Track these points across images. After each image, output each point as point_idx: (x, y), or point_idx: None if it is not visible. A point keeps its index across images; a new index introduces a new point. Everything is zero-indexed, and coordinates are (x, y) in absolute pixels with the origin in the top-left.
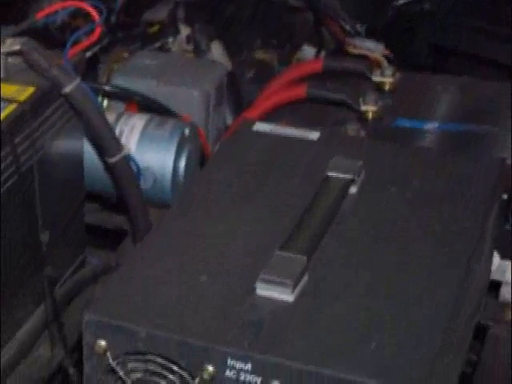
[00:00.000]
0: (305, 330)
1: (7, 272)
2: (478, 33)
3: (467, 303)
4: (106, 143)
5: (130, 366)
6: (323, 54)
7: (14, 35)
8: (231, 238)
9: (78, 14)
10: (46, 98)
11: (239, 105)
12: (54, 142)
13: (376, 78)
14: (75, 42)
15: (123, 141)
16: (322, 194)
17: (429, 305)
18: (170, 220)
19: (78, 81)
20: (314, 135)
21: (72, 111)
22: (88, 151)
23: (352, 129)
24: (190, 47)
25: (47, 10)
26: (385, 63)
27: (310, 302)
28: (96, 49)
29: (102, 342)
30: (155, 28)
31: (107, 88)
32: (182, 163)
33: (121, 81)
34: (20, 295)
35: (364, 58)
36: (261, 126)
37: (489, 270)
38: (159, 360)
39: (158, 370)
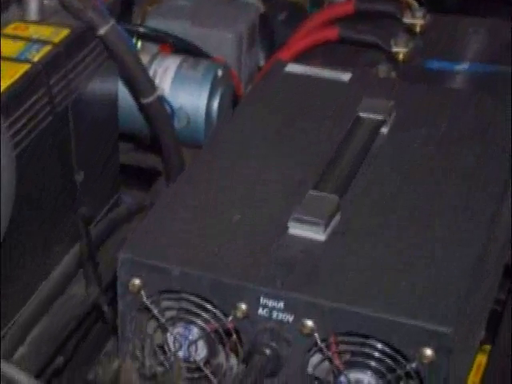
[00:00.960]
0: (336, 269)
1: (43, 212)
2: None
3: (496, 243)
4: (140, 84)
5: (164, 304)
6: None
7: None
8: (263, 178)
9: None
10: (80, 39)
11: (271, 46)
12: (89, 84)
13: (407, 20)
14: None
15: (157, 82)
16: (354, 135)
17: (459, 244)
18: (202, 160)
19: (112, 22)
20: (346, 76)
21: (106, 53)
22: (122, 92)
23: (383, 70)
24: None
25: None
26: (415, 5)
27: (341, 241)
28: None
29: (137, 281)
30: None
31: (141, 29)
32: (215, 104)
33: (155, 22)
34: (55, 235)
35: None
36: (293, 68)
37: None
38: (193, 298)
39: (192, 308)
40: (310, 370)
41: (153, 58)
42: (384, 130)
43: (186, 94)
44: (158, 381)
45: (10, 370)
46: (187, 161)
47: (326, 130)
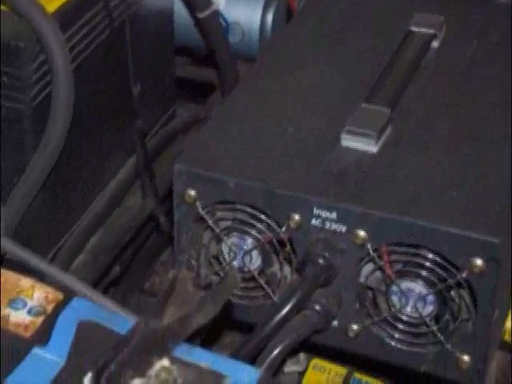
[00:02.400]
0: (388, 180)
1: (100, 124)
2: None
3: None
4: None
5: (219, 214)
6: None
7: None
8: (316, 91)
9: None
10: None
11: None
12: None
13: None
14: None
15: None
16: (405, 48)
17: (506, 157)
18: (256, 73)
19: None
20: None
21: None
22: (178, 6)
23: None
24: None
25: None
26: None
27: (392, 153)
28: None
29: (192, 192)
30: None
31: None
32: (269, 17)
33: None
34: (112, 147)
35: None
36: None
37: None
38: (247, 209)
39: (246, 218)
40: (362, 279)
41: None
42: (435, 44)
43: (240, 8)
44: (213, 290)
45: (67, 279)
46: (242, 74)
47: (378, 44)
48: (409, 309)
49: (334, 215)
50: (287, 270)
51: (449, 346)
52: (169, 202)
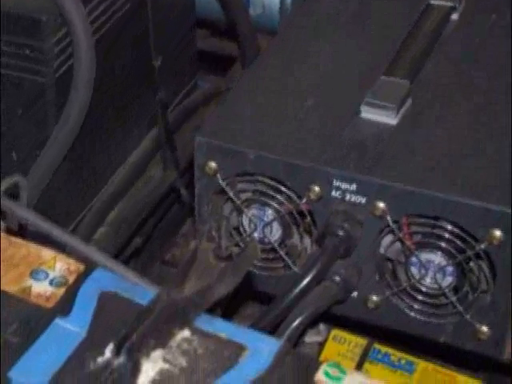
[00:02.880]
0: (407, 152)
1: (122, 97)
2: None
3: None
4: None
5: (240, 186)
6: None
7: None
8: (336, 63)
9: None
10: None
11: None
12: None
13: None
14: None
15: None
16: (424, 21)
17: None
18: (277, 45)
19: None
20: None
21: None
22: None
23: None
24: None
25: None
26: None
27: (412, 125)
28: None
29: (213, 164)
30: None
31: None
32: None
33: None
34: (134, 119)
35: None
36: None
37: None
38: (267, 181)
39: (266, 190)
40: (381, 250)
41: None
42: (454, 16)
43: None
44: (234, 261)
45: (89, 250)
46: (262, 47)
47: (398, 17)
48: (428, 280)
49: (353, 187)
50: (307, 241)
51: (468, 317)
52: (190, 173)
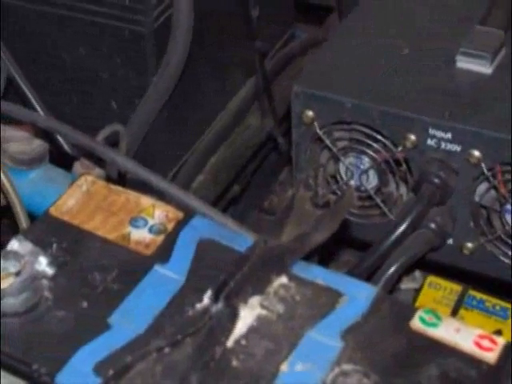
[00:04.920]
0: (502, 101)
1: (221, 45)
2: None
3: None
4: None
5: (336, 134)
6: None
7: None
8: (431, 14)
9: None
10: None
11: None
12: None
13: None
14: None
15: None
16: None
17: None
18: None
19: None
20: None
21: None
22: None
23: None
24: None
25: None
26: None
27: (507, 74)
28: None
29: (310, 112)
30: None
31: None
32: None
33: None
34: (232, 67)
35: None
36: None
37: None
38: (363, 129)
39: (363, 138)
40: (476, 198)
41: None
42: None
43: None
44: (331, 209)
45: (187, 198)
46: None
47: None
48: None
49: (448, 135)
50: (403, 189)
51: None
52: (287, 122)
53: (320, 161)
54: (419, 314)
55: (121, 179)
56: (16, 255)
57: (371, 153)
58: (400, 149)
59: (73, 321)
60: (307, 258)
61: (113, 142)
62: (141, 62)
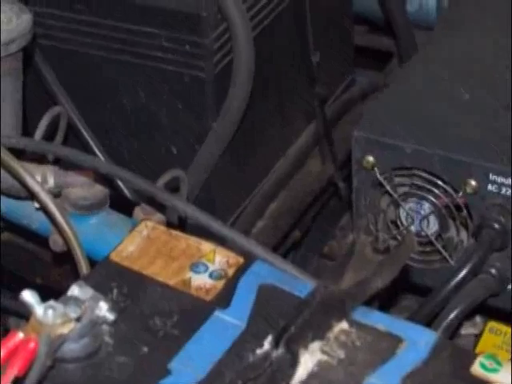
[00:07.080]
0: None
1: (281, 91)
2: None
3: None
4: None
5: (397, 180)
6: None
7: None
8: (494, 57)
9: None
10: None
11: None
12: None
13: None
14: None
15: None
16: None
17: None
18: (434, 41)
19: None
20: None
21: None
22: None
23: None
24: None
25: None
26: None
27: None
28: None
29: (370, 158)
30: None
31: None
32: None
33: None
34: (293, 113)
35: None
36: None
37: None
38: (424, 175)
39: (423, 184)
40: None
41: None
42: None
43: None
44: (391, 254)
45: (248, 243)
46: (419, 43)
47: None
48: None
49: (509, 181)
50: (463, 234)
51: None
52: (347, 167)
53: (380, 206)
54: (480, 359)
55: (181, 224)
56: (77, 301)
57: (432, 198)
58: (461, 194)
59: (133, 366)
60: (368, 303)
61: (173, 187)
62: (201, 108)
